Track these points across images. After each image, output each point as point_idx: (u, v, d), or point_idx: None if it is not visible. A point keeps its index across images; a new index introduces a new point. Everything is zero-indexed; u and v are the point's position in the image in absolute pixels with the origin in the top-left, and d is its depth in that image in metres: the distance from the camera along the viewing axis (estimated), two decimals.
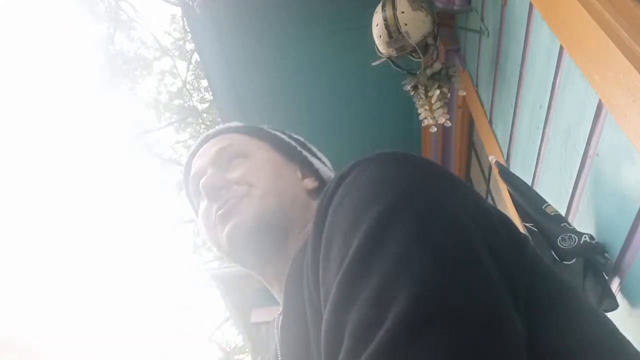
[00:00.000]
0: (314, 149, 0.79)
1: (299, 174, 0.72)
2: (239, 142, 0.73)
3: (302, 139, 0.79)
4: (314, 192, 0.70)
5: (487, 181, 2.43)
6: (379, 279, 0.38)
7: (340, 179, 0.49)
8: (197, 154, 0.75)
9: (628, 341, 0.45)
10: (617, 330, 0.46)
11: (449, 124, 2.00)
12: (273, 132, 0.77)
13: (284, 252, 0.64)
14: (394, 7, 1.78)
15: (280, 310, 0.62)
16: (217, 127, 0.80)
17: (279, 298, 0.67)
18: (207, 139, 0.77)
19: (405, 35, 1.76)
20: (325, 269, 0.45)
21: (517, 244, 0.47)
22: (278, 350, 0.57)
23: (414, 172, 0.47)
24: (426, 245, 0.39)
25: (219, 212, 0.65)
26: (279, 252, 0.64)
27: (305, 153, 0.75)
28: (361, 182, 0.46)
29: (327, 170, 0.76)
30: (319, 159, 0.77)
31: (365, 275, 0.39)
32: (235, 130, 0.77)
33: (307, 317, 0.49)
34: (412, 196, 0.43)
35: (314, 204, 0.64)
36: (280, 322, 0.57)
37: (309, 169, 0.74)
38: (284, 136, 0.77)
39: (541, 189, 1.45)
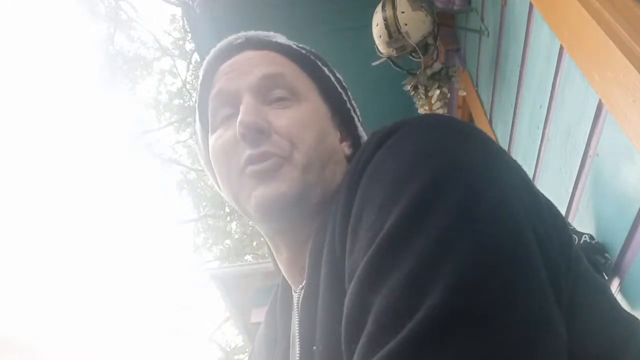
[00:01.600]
0: (355, 105, 0.67)
1: (339, 135, 0.62)
2: (291, 74, 0.59)
3: (345, 85, 0.67)
4: (350, 158, 0.60)
5: None
6: (415, 263, 0.34)
7: (380, 141, 0.43)
8: (230, 60, 0.60)
9: None
10: None
11: None
12: (324, 70, 0.64)
13: (311, 224, 0.56)
14: (394, 7, 1.78)
15: (299, 284, 0.56)
16: (262, 32, 0.64)
17: (288, 268, 0.60)
18: (248, 45, 0.61)
19: (405, 35, 1.76)
20: (353, 242, 0.41)
21: (564, 237, 0.43)
22: (297, 325, 0.51)
23: (461, 141, 0.41)
24: (470, 232, 0.35)
25: (253, 167, 0.54)
26: (307, 224, 0.56)
27: (353, 114, 0.64)
28: (402, 149, 0.41)
29: (364, 133, 0.65)
30: (360, 122, 0.66)
31: (400, 256, 0.35)
32: (286, 51, 0.62)
33: (319, 283, 0.44)
34: (459, 171, 0.38)
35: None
36: (302, 295, 0.50)
37: (347, 130, 0.63)
38: (334, 81, 0.64)
39: (541, 189, 1.45)
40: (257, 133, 0.54)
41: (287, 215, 0.55)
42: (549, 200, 0.46)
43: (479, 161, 0.40)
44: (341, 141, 0.62)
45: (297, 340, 0.50)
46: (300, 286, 0.55)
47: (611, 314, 0.44)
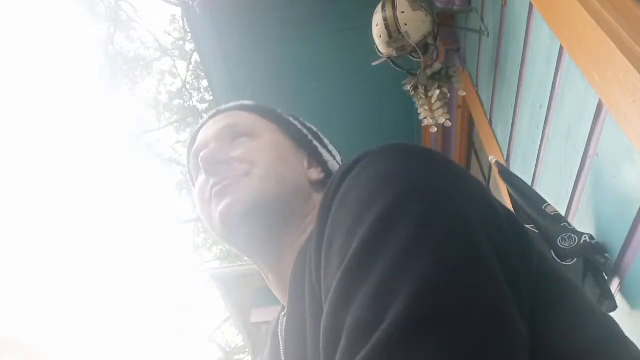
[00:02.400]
0: (326, 141, 0.75)
1: (306, 163, 0.68)
2: (247, 121, 0.69)
3: (314, 129, 0.75)
4: (318, 184, 0.66)
5: (487, 181, 2.43)
6: (379, 278, 0.36)
7: (346, 172, 0.46)
8: (203, 128, 0.72)
9: (631, 342, 0.45)
10: (620, 330, 0.46)
11: (449, 124, 1.99)
12: (285, 116, 0.73)
13: (278, 241, 0.60)
14: (394, 7, 1.78)
15: (283, 309, 0.60)
16: (229, 104, 0.75)
17: (277, 292, 0.64)
18: (217, 114, 0.73)
19: (405, 35, 1.76)
20: (327, 265, 0.43)
21: (523, 244, 0.45)
22: (282, 352, 0.55)
23: (420, 165, 0.44)
24: (429, 243, 0.37)
25: (215, 188, 0.61)
26: (273, 240, 0.61)
27: (315, 143, 0.71)
28: (366, 176, 0.44)
29: (336, 164, 0.72)
30: (329, 151, 0.73)
31: (365, 274, 0.37)
32: (247, 108, 0.73)
33: (306, 315, 0.47)
34: (416, 192, 0.41)
35: (317, 197, 0.63)
36: (284, 322, 0.54)
37: (316, 160, 0.70)
38: (296, 122, 0.73)
39: (541, 189, 1.45)
40: (215, 163, 0.63)
41: (249, 223, 0.59)
42: (508, 210, 0.49)
43: (436, 181, 0.43)
44: (309, 167, 0.68)
45: None
46: (283, 313, 0.58)
47: (583, 313, 0.45)
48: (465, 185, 0.45)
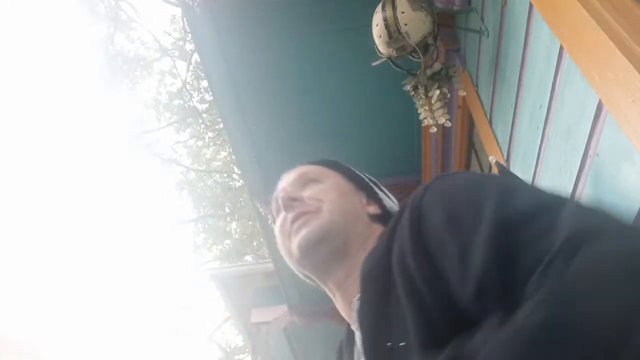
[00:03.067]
0: (382, 187, 0.92)
1: (364, 200, 0.83)
2: (314, 171, 0.87)
3: (372, 178, 0.93)
4: (375, 217, 0.81)
5: None
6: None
7: (422, 195, 0.62)
8: (280, 181, 0.90)
9: None
10: None
11: (449, 124, 1.99)
12: (346, 166, 0.91)
13: (345, 261, 0.75)
14: (394, 7, 1.78)
15: (348, 333, 0.75)
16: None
17: (343, 311, 0.77)
18: (290, 171, 0.92)
19: (405, 35, 1.76)
20: (441, 243, 0.55)
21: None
22: (362, 352, 0.62)
23: (466, 174, 0.66)
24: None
25: (295, 224, 0.77)
26: (340, 260, 0.75)
27: (371, 185, 0.88)
28: (446, 189, 0.62)
29: (391, 202, 0.87)
30: (384, 192, 0.90)
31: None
32: (316, 163, 0.91)
33: (390, 307, 0.58)
34: (484, 184, 0.60)
35: (375, 226, 0.78)
36: (358, 321, 0.64)
37: (373, 199, 0.85)
38: (355, 170, 0.91)
39: None
40: (290, 200, 0.80)
41: (321, 248, 0.75)
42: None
43: (489, 182, 0.61)
44: (368, 204, 0.83)
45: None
46: (353, 331, 0.70)
47: None
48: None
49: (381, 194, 0.89)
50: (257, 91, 2.71)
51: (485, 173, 0.79)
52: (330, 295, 0.79)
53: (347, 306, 0.74)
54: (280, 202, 0.80)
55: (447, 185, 0.63)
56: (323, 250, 0.75)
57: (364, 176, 0.90)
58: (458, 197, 0.59)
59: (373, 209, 0.82)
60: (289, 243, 0.78)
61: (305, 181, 0.85)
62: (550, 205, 0.51)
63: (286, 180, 0.88)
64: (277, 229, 0.83)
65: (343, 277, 0.75)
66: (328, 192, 0.81)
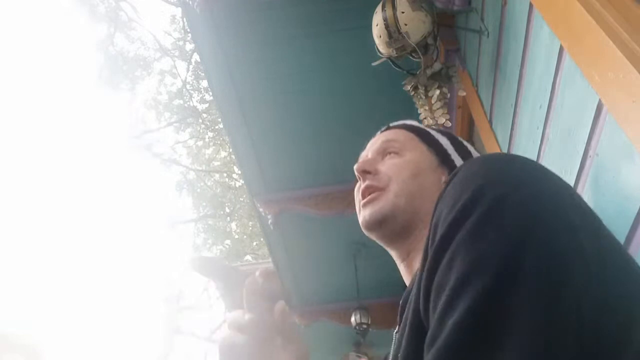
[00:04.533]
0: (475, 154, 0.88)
1: (444, 178, 0.82)
2: (400, 139, 0.86)
3: (467, 146, 0.90)
4: None
5: None
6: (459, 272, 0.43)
7: (452, 177, 0.53)
8: (372, 139, 0.91)
9: None
10: None
11: (449, 124, 1.99)
12: (436, 136, 0.88)
13: (405, 242, 0.77)
14: (394, 7, 1.78)
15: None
16: (398, 122, 0.95)
17: (406, 276, 0.79)
18: (386, 129, 0.92)
19: (405, 35, 1.76)
20: (430, 249, 0.50)
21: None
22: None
23: (497, 165, 0.50)
24: (493, 229, 0.42)
25: (363, 200, 0.80)
26: (401, 241, 0.78)
27: (457, 162, 0.85)
28: (462, 176, 0.51)
29: None
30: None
31: (449, 263, 0.44)
32: (407, 128, 0.90)
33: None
34: (491, 186, 0.46)
35: None
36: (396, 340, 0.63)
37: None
38: (444, 141, 0.88)
39: None
40: (364, 173, 0.83)
41: (382, 228, 0.78)
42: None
43: (507, 177, 0.47)
44: (445, 182, 0.80)
45: None
46: (396, 330, 0.67)
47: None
48: (539, 179, 0.48)
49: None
50: (257, 91, 2.71)
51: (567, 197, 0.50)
52: (397, 262, 0.82)
53: (409, 278, 0.77)
54: (355, 170, 0.83)
55: (460, 178, 0.51)
56: (384, 231, 0.78)
57: (452, 149, 0.87)
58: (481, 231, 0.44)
59: None
60: (358, 215, 0.82)
61: (387, 150, 0.85)
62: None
63: (371, 146, 0.89)
64: (355, 192, 0.86)
65: (405, 253, 0.78)
66: (402, 170, 0.81)
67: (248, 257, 11.95)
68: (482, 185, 0.46)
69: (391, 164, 0.82)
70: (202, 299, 14.57)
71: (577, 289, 0.38)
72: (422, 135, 0.88)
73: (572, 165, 1.27)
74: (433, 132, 0.89)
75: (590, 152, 1.17)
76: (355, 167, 0.84)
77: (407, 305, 0.57)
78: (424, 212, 0.76)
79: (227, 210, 12.35)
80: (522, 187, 0.45)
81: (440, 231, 0.47)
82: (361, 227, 0.81)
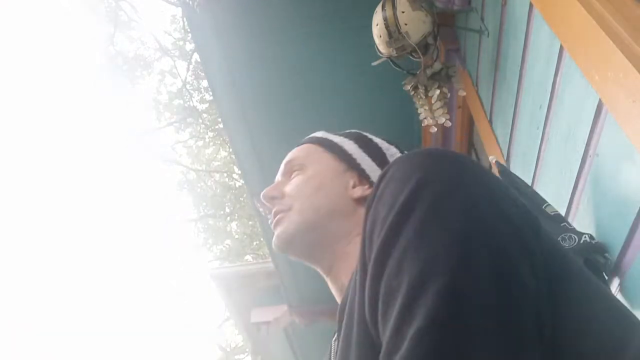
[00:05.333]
0: (387, 156, 0.85)
1: (353, 182, 0.80)
2: (304, 154, 0.85)
3: (378, 143, 0.88)
4: (364, 200, 0.77)
5: None
6: (393, 271, 0.42)
7: (381, 178, 0.52)
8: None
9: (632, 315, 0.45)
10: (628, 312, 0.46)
11: (449, 124, 1.99)
12: (340, 142, 0.86)
13: (323, 255, 0.76)
14: (394, 7, 1.78)
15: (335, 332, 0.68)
16: (308, 136, 0.92)
17: (335, 295, 0.77)
18: (294, 147, 0.91)
19: (405, 35, 1.76)
20: (369, 254, 0.47)
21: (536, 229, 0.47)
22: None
23: (435, 163, 0.49)
24: (436, 230, 0.42)
25: (272, 224, 0.80)
26: (318, 254, 0.77)
27: (364, 165, 0.83)
28: (395, 176, 0.49)
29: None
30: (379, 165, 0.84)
31: (385, 266, 0.43)
32: (310, 141, 0.89)
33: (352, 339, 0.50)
34: (429, 184, 0.45)
35: (362, 211, 0.69)
36: (337, 344, 0.59)
37: (366, 178, 0.81)
38: (351, 145, 0.85)
39: (541, 189, 1.45)
40: (269, 199, 0.83)
41: (292, 248, 0.78)
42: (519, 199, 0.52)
43: (449, 174, 0.47)
44: (354, 186, 0.80)
45: None
46: (334, 338, 0.65)
47: (605, 311, 0.45)
48: (477, 176, 0.48)
49: (375, 171, 0.82)
50: (257, 91, 2.71)
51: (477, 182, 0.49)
52: (323, 276, 0.80)
53: (337, 290, 0.76)
54: (262, 199, 0.84)
55: (395, 176, 0.49)
56: (296, 249, 0.78)
57: (359, 153, 0.85)
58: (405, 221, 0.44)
59: (360, 192, 0.79)
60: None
61: (290, 169, 0.85)
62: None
63: (281, 167, 0.88)
64: None
65: (327, 268, 0.76)
66: (303, 187, 0.80)
67: (248, 257, 11.94)
68: (419, 182, 0.45)
69: (293, 183, 0.82)
70: (202, 299, 14.57)
71: (527, 286, 0.40)
72: (325, 144, 0.86)
73: (572, 165, 1.27)
74: (337, 139, 0.87)
75: (590, 152, 1.17)
76: (261, 194, 0.84)
77: (347, 316, 0.55)
78: (335, 226, 0.76)
79: (227, 210, 12.35)
80: (461, 185, 0.45)
81: (380, 235, 0.45)
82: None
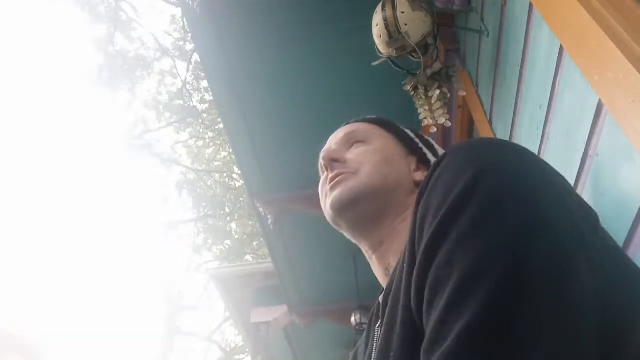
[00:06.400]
0: (438, 150, 0.86)
1: (413, 166, 0.80)
2: (364, 130, 0.83)
3: (430, 140, 0.87)
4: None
5: None
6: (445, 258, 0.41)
7: (436, 164, 0.51)
8: (331, 136, 0.87)
9: None
10: None
11: (449, 124, 1.99)
12: (401, 127, 0.86)
13: (379, 226, 0.72)
14: (394, 7, 1.78)
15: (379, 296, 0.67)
16: (358, 118, 0.90)
17: (378, 275, 0.74)
18: (345, 124, 0.88)
19: (405, 35, 1.76)
20: (419, 241, 0.46)
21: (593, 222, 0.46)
22: (376, 336, 0.59)
23: (491, 151, 0.48)
24: (492, 224, 0.40)
25: (331, 184, 0.75)
26: (375, 225, 0.72)
27: (425, 150, 0.82)
28: (452, 165, 0.48)
29: None
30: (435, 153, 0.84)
31: (437, 258, 0.42)
32: (369, 120, 0.87)
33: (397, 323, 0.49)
34: (487, 174, 0.44)
35: None
36: (381, 305, 0.59)
37: (425, 164, 0.81)
38: (409, 132, 0.85)
39: None
40: (331, 161, 0.77)
41: (353, 210, 0.72)
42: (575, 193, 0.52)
43: (505, 164, 0.45)
44: (415, 170, 0.79)
45: None
46: (378, 324, 0.64)
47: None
48: (536, 168, 0.47)
49: (433, 158, 0.82)
50: (257, 91, 2.71)
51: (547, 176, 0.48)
52: (367, 256, 0.77)
53: (382, 271, 0.72)
54: (322, 160, 0.79)
55: (452, 166, 0.48)
56: (355, 212, 0.73)
57: (417, 139, 0.84)
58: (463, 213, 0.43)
59: (421, 175, 0.78)
60: (325, 201, 0.77)
61: (352, 141, 0.81)
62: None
63: (333, 139, 0.85)
64: (320, 187, 0.81)
65: (377, 243, 0.73)
66: (372, 155, 0.77)
67: (248, 257, 11.95)
68: (477, 174, 0.44)
69: (359, 151, 0.78)
70: (202, 299, 14.57)
71: (585, 283, 0.38)
72: (387, 125, 0.85)
73: (572, 165, 1.27)
74: (395, 122, 0.87)
75: (590, 152, 1.17)
76: (321, 156, 0.79)
77: (392, 301, 0.53)
78: (397, 200, 0.73)
79: (227, 210, 12.35)
80: (520, 177, 0.44)
81: (432, 224, 0.44)
82: (329, 213, 0.75)
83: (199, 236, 13.15)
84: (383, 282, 0.72)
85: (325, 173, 0.78)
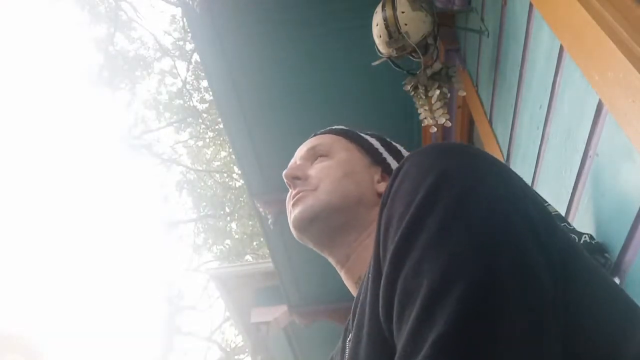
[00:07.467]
0: (404, 153, 0.85)
1: (377, 177, 0.79)
2: (329, 142, 0.83)
3: (397, 146, 0.87)
4: None
5: None
6: (414, 262, 0.41)
7: (396, 173, 0.50)
8: (298, 149, 0.87)
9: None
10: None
11: (449, 124, 1.99)
12: (366, 136, 0.85)
13: (343, 242, 0.73)
14: (394, 7, 1.78)
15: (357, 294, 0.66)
16: (326, 128, 0.91)
17: (349, 286, 0.74)
18: (313, 136, 0.88)
19: (405, 35, 1.76)
20: (384, 251, 0.46)
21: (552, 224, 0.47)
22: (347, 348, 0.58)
23: (453, 156, 0.47)
24: (460, 225, 0.41)
25: (291, 201, 0.76)
26: (338, 241, 0.73)
27: (389, 160, 0.82)
28: (412, 172, 0.48)
29: None
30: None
31: (405, 260, 0.42)
32: (334, 132, 0.87)
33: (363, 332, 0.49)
34: (450, 179, 0.44)
35: None
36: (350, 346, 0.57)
37: (389, 174, 0.79)
38: (374, 141, 0.85)
39: (541, 189, 1.45)
40: (292, 179, 0.78)
41: (313, 227, 0.73)
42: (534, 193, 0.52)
43: (469, 168, 0.46)
44: (379, 181, 0.79)
45: None
46: (349, 338, 0.63)
47: (619, 311, 0.45)
48: (503, 177, 0.47)
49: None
50: (257, 91, 2.71)
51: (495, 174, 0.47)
52: (336, 269, 0.77)
53: (352, 284, 0.73)
54: (284, 178, 0.79)
55: (413, 171, 0.48)
56: (316, 230, 0.74)
57: (383, 149, 0.84)
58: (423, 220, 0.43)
59: (384, 186, 0.75)
60: (289, 217, 0.77)
61: (315, 155, 0.82)
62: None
63: (298, 153, 0.85)
64: (286, 203, 0.82)
65: (344, 257, 0.73)
66: (333, 170, 0.77)
67: (248, 257, 11.95)
68: (438, 179, 0.44)
69: (321, 166, 0.78)
70: (202, 299, 14.57)
71: (547, 287, 0.39)
72: (350, 136, 0.85)
73: (572, 165, 1.27)
74: (359, 132, 0.86)
75: (590, 152, 1.17)
76: (283, 173, 0.79)
77: (359, 314, 0.53)
78: (359, 214, 0.73)
79: (227, 210, 12.35)
80: (482, 180, 0.44)
81: (397, 231, 0.44)
82: (292, 230, 0.76)
83: (199, 236, 13.15)
84: (354, 292, 0.72)
85: (290, 191, 0.79)
